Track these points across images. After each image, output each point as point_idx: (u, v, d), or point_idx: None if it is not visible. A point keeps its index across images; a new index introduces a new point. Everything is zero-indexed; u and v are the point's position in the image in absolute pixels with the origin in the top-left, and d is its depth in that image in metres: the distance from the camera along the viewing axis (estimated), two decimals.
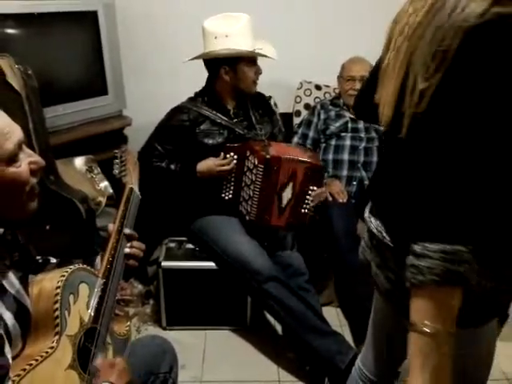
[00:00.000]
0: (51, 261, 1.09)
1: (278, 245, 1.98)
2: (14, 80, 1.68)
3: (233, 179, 1.88)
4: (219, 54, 1.80)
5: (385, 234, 0.90)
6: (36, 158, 0.88)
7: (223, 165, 1.84)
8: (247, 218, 1.85)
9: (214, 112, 1.89)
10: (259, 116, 2.01)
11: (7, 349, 0.80)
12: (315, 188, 1.88)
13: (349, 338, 2.03)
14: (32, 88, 1.74)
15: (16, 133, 0.83)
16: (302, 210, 1.90)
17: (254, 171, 1.78)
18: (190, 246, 2.04)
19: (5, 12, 1.80)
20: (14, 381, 0.78)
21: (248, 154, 1.82)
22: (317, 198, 1.92)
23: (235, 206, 1.90)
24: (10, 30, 1.86)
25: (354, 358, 1.72)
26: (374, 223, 0.94)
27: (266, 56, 1.84)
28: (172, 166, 1.89)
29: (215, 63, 1.85)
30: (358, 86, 2.23)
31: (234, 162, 1.85)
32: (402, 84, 0.79)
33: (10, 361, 0.80)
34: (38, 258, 1.07)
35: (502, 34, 0.68)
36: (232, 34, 1.78)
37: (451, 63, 0.71)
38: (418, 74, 0.74)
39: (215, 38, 1.80)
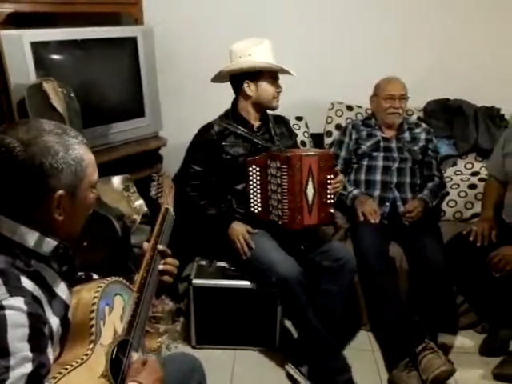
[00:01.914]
0: (93, 276, 1.14)
1: (315, 242, 1.97)
2: (58, 102, 1.77)
3: (258, 191, 1.93)
4: (242, 68, 1.91)
5: None
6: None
7: (244, 242, 1.89)
8: (280, 222, 1.86)
9: (236, 125, 1.98)
10: (280, 132, 2.09)
11: (50, 350, 0.84)
12: (332, 176, 1.88)
13: (381, 363, 1.98)
14: (74, 110, 1.83)
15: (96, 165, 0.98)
16: (328, 201, 1.88)
17: (279, 174, 1.82)
18: (221, 263, 2.05)
19: (50, 39, 1.91)
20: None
21: (269, 162, 1.88)
22: (336, 187, 1.92)
23: (266, 216, 1.92)
24: (54, 56, 1.97)
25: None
26: None
27: (286, 72, 1.93)
28: (211, 211, 1.97)
29: (239, 79, 1.94)
30: (397, 104, 2.23)
31: (258, 177, 1.92)
32: None
33: (52, 362, 0.83)
34: (81, 273, 1.12)
35: None
36: (254, 53, 1.91)
37: None
38: None
39: (239, 56, 1.93)
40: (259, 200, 1.93)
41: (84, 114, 1.87)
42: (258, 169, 1.92)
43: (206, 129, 2.00)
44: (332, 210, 1.90)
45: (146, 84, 2.26)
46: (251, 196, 1.94)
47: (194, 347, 2.04)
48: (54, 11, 2.03)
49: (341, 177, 2.00)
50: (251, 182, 1.93)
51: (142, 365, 0.95)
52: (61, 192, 0.88)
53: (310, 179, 1.84)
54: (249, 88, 1.93)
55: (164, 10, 2.49)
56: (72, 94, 1.82)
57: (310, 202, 1.85)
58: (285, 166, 1.81)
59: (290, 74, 1.94)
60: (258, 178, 1.92)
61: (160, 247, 1.15)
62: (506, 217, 2.07)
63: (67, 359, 0.87)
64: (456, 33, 2.57)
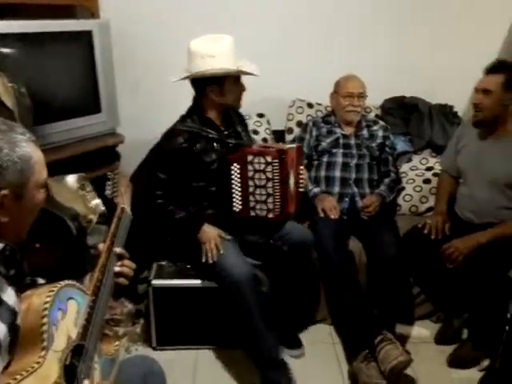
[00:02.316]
0: (39, 281, 1.09)
1: (274, 229, 1.98)
2: (7, 98, 1.68)
3: (239, 188, 1.91)
4: (206, 74, 1.83)
5: None
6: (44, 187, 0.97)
7: (214, 246, 1.83)
8: (271, 215, 1.89)
9: (205, 128, 1.92)
10: (242, 128, 2.08)
11: None
12: (303, 167, 2.04)
13: (342, 356, 2.02)
14: (25, 106, 1.75)
15: (45, 164, 0.94)
16: (301, 190, 2.02)
17: (269, 168, 1.85)
18: (180, 263, 2.02)
19: None
20: None
21: (251, 158, 1.87)
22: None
23: (246, 213, 1.91)
24: (3, 49, 1.87)
25: None
26: None
27: (251, 74, 1.89)
28: (180, 214, 1.89)
29: (202, 82, 1.88)
30: (356, 102, 2.28)
31: (238, 175, 1.89)
32: None
33: None
34: (27, 278, 1.07)
35: None
36: (217, 54, 1.82)
37: None
38: None
39: (201, 58, 1.83)
40: (240, 197, 1.92)
41: (36, 111, 1.79)
42: (238, 166, 1.89)
43: (172, 135, 1.90)
44: (300, 199, 2.02)
45: (102, 79, 2.20)
46: (233, 195, 1.91)
47: (154, 349, 2.01)
48: (3, 2, 1.93)
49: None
50: (233, 181, 1.90)
51: None
52: (4, 192, 0.84)
53: (292, 171, 1.92)
54: (213, 92, 1.87)
55: (121, 4, 2.42)
56: (23, 90, 1.75)
57: (291, 192, 1.93)
58: (276, 161, 1.84)
59: (254, 75, 1.89)
60: (239, 175, 1.90)
61: (117, 250, 1.12)
62: (459, 210, 2.16)
63: (17, 368, 0.82)
64: (411, 34, 2.64)
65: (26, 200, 0.89)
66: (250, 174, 1.89)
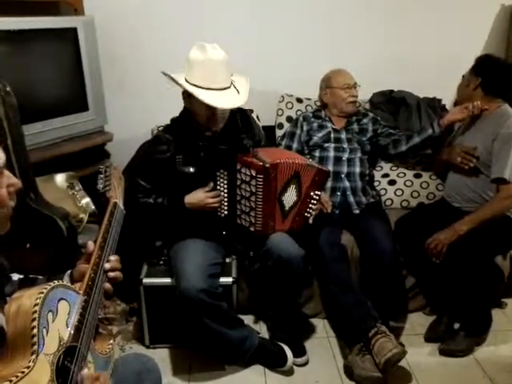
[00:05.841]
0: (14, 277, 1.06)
1: (256, 242, 1.90)
2: None
3: (226, 195, 1.84)
4: (172, 78, 1.73)
5: None
6: (13, 180, 0.90)
7: (212, 197, 1.80)
8: (252, 229, 1.83)
9: (191, 137, 1.82)
10: (244, 129, 1.97)
11: None
12: (318, 192, 1.89)
13: (336, 349, 2.03)
14: (11, 105, 1.72)
15: (1, 157, 0.87)
16: (306, 214, 1.90)
17: (253, 182, 1.76)
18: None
19: None
20: None
21: (239, 166, 1.79)
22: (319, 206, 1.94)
23: (232, 220, 1.87)
24: None
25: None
26: None
27: (206, 103, 1.68)
28: (159, 200, 1.83)
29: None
30: (355, 92, 2.31)
31: (225, 183, 1.82)
32: None
33: None
34: (20, 276, 1.04)
35: None
36: (198, 67, 1.70)
37: None
38: None
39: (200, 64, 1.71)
40: (226, 204, 1.85)
41: (22, 110, 1.76)
42: (226, 173, 1.81)
43: (155, 143, 1.83)
44: (310, 221, 1.91)
45: (88, 76, 2.17)
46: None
47: (148, 347, 1.99)
48: None
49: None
50: (219, 186, 1.83)
51: (93, 381, 0.91)
52: None
53: (294, 186, 1.83)
54: (184, 99, 1.80)
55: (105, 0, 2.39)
56: (8, 88, 1.71)
57: (286, 209, 1.85)
58: (260, 176, 1.74)
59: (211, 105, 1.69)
60: (226, 181, 1.82)
61: (106, 266, 1.08)
62: (445, 193, 2.24)
63: (6, 374, 0.79)
64: (397, 28, 2.64)
65: None
66: (238, 182, 1.81)
